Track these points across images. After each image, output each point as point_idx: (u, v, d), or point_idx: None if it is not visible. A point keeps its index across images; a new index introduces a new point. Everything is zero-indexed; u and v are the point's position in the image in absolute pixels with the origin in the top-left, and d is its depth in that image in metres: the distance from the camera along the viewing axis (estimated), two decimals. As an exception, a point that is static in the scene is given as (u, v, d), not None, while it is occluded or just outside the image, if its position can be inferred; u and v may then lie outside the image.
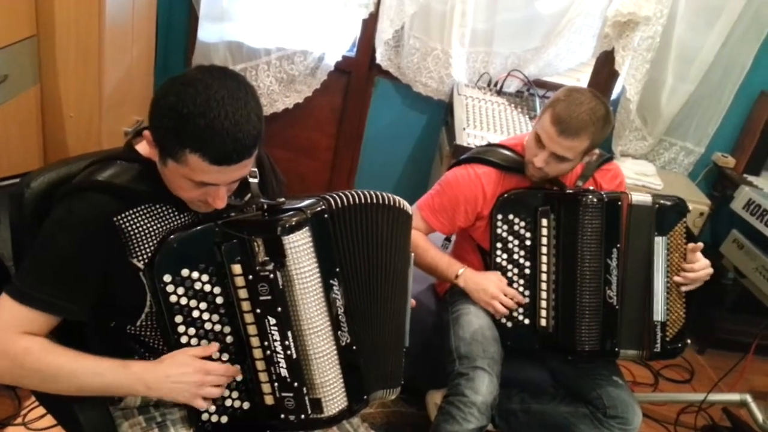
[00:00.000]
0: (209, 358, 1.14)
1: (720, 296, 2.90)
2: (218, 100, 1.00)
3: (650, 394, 2.62)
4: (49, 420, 1.85)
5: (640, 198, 1.75)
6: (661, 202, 1.75)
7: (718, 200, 3.00)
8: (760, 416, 2.32)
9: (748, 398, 2.36)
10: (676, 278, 1.76)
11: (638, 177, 2.80)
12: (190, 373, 1.10)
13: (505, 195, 1.78)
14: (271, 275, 1.11)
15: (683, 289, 1.78)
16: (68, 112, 2.12)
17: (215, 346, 1.15)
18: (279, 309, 1.13)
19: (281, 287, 1.12)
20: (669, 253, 1.76)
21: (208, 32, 2.68)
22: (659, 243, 1.75)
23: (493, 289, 1.76)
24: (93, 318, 1.14)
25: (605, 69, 2.90)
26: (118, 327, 1.19)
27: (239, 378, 1.18)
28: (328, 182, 3.20)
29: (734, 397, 2.40)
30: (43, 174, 1.21)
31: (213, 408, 1.17)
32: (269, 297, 1.12)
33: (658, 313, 1.76)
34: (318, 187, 3.18)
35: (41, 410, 1.86)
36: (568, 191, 1.77)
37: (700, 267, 1.75)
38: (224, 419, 1.18)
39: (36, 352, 1.07)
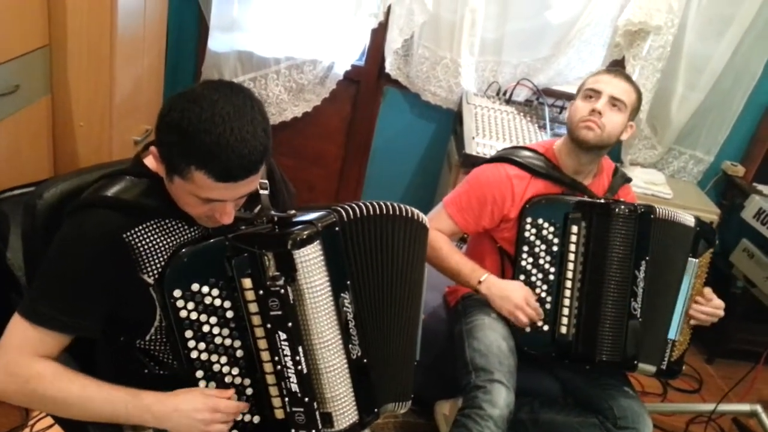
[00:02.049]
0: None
1: (729, 305, 2.85)
2: (223, 117, 0.99)
3: (659, 405, 2.61)
4: (56, 430, 1.85)
5: (685, 217, 1.78)
6: (702, 226, 1.79)
7: (727, 209, 2.99)
8: (771, 427, 2.31)
9: (759, 409, 2.35)
10: (695, 306, 1.79)
11: (647, 186, 2.80)
12: (200, 410, 1.11)
13: (537, 198, 1.77)
14: (282, 290, 1.10)
15: (693, 322, 1.82)
16: (79, 121, 2.13)
17: (231, 391, 1.15)
18: (290, 324, 1.12)
19: (292, 302, 1.12)
20: (695, 278, 1.78)
21: (218, 42, 2.69)
22: (692, 265, 1.77)
23: (518, 299, 1.73)
24: (103, 333, 1.14)
25: (614, 78, 2.90)
26: (128, 341, 1.19)
27: (249, 392, 1.18)
28: (336, 191, 3.20)
29: (744, 407, 2.39)
30: (55, 185, 1.21)
31: None
32: (280, 312, 1.11)
33: (673, 331, 1.77)
34: (326, 195, 3.19)
35: (48, 420, 1.86)
36: (601, 200, 1.78)
37: (716, 305, 1.80)
38: None
39: (48, 377, 1.07)
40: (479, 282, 1.79)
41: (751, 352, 2.59)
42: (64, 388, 1.08)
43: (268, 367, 1.15)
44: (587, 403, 1.85)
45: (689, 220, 1.78)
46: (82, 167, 1.34)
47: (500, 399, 1.61)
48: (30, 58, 1.93)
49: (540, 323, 1.76)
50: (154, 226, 1.13)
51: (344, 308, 1.18)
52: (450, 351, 1.87)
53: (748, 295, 2.65)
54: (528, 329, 1.77)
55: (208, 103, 1.00)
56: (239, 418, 1.18)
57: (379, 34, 2.81)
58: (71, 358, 1.18)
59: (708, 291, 1.83)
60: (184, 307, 1.11)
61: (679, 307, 1.77)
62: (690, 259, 1.77)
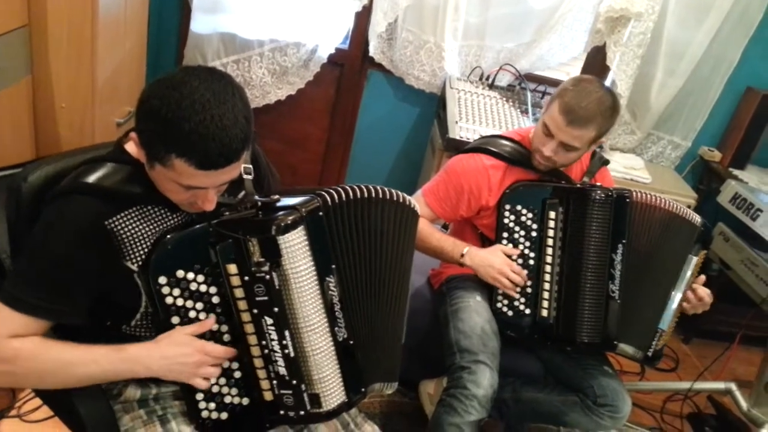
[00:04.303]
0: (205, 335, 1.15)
1: (705, 287, 2.95)
2: (203, 104, 0.98)
3: (637, 383, 2.67)
4: (44, 412, 1.84)
5: (692, 215, 1.80)
6: (705, 227, 1.82)
7: (704, 193, 3.05)
8: (744, 404, 2.38)
9: (733, 386, 2.42)
10: (690, 293, 1.82)
11: (627, 171, 2.84)
12: (188, 353, 1.10)
13: (515, 185, 1.79)
14: (267, 276, 1.11)
15: (685, 310, 1.84)
16: (60, 103, 2.10)
17: (211, 321, 1.14)
18: (276, 309, 1.13)
19: (277, 287, 1.13)
20: (691, 274, 1.81)
21: (200, 23, 2.67)
22: (690, 261, 1.80)
23: (500, 264, 1.76)
24: (88, 317, 1.14)
25: (596, 64, 2.92)
26: (113, 326, 1.19)
27: (238, 375, 1.19)
28: (320, 174, 3.20)
29: (719, 385, 2.46)
30: (40, 168, 1.20)
31: (213, 405, 1.18)
32: (266, 297, 1.12)
33: (665, 322, 1.81)
34: (309, 179, 3.18)
35: (36, 402, 1.85)
36: (577, 185, 1.80)
37: (707, 294, 1.82)
38: (224, 415, 1.19)
39: (27, 351, 1.06)
40: (462, 255, 1.81)
41: (726, 333, 2.67)
42: (44, 357, 1.07)
43: (255, 351, 1.16)
44: (568, 382, 1.89)
45: (696, 219, 1.81)
46: (67, 150, 1.33)
47: (484, 379, 1.64)
48: (9, 38, 1.89)
49: (518, 304, 1.80)
50: (137, 212, 1.12)
51: (329, 292, 1.19)
52: (434, 332, 1.90)
53: (723, 278, 2.72)
54: (509, 312, 1.80)
55: (188, 89, 0.98)
56: (228, 400, 1.19)
57: (363, 18, 2.80)
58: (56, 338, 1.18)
59: (702, 278, 1.85)
60: (170, 294, 1.11)
61: (675, 300, 1.81)
62: (690, 256, 1.80)
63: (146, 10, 2.49)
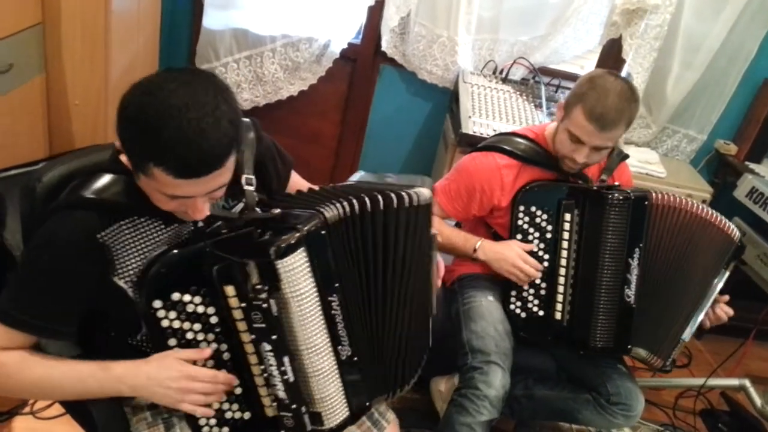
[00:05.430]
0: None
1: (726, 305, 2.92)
2: (180, 108, 0.93)
3: (649, 380, 2.66)
4: (56, 409, 1.86)
5: (729, 226, 1.75)
6: (742, 242, 1.78)
7: (720, 187, 3.01)
8: (758, 401, 2.36)
9: (747, 383, 2.41)
10: (710, 310, 1.79)
11: (642, 165, 2.81)
12: (174, 378, 1.06)
13: (529, 186, 1.76)
14: (264, 304, 1.05)
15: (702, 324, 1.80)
16: (74, 100, 2.11)
17: (208, 351, 1.11)
18: (274, 336, 1.08)
19: (275, 314, 1.07)
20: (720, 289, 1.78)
21: (213, 19, 2.66)
22: (723, 275, 1.76)
23: (514, 257, 1.74)
24: (93, 329, 1.13)
25: (611, 57, 2.89)
26: (119, 337, 1.17)
27: (238, 391, 1.16)
28: (332, 169, 3.19)
29: (733, 382, 2.45)
30: (54, 167, 1.18)
31: (213, 421, 1.15)
32: (263, 325, 1.08)
33: (689, 333, 1.77)
34: (322, 174, 3.18)
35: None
36: (594, 187, 1.76)
37: (727, 313, 1.80)
38: (225, 430, 1.16)
39: (12, 366, 1.06)
40: (474, 249, 1.80)
41: (740, 328, 2.63)
42: (28, 374, 1.06)
43: (255, 370, 1.13)
44: (581, 380, 1.89)
45: (734, 232, 1.75)
46: (80, 148, 1.32)
47: (496, 380, 1.65)
48: (23, 36, 1.90)
49: (532, 306, 1.79)
50: (128, 225, 1.09)
51: (333, 311, 1.14)
52: (445, 329, 1.89)
53: (738, 273, 2.69)
54: (522, 314, 1.79)
55: (164, 94, 0.94)
56: (229, 415, 1.16)
57: (375, 12, 2.78)
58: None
59: (725, 298, 1.81)
60: (166, 317, 1.08)
61: (703, 312, 1.77)
62: (722, 269, 1.76)
63: (159, 7, 2.50)
